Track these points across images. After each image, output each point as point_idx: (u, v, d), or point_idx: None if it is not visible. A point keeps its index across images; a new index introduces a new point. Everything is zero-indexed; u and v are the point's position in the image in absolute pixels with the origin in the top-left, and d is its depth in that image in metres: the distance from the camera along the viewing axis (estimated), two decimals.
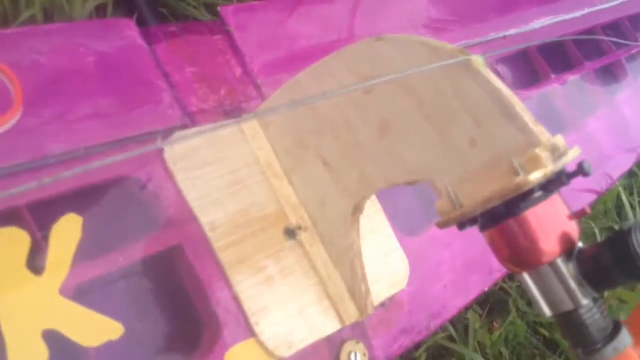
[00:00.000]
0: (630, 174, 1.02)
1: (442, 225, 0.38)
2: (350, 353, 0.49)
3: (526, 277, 0.36)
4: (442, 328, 0.62)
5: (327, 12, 0.65)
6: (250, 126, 0.51)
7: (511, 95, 0.35)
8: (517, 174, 0.34)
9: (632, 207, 0.89)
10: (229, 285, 0.44)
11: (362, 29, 0.67)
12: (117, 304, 0.40)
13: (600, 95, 0.90)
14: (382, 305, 0.54)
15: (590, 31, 0.98)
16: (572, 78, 0.88)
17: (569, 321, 0.35)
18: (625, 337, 0.34)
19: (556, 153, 0.34)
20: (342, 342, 0.49)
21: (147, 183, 0.44)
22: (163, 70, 0.49)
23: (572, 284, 0.34)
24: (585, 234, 0.83)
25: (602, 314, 0.35)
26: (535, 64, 0.84)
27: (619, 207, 0.91)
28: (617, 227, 0.83)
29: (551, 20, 0.89)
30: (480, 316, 0.67)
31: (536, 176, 0.33)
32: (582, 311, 0.34)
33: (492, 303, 0.72)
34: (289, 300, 0.47)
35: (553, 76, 0.84)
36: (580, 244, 0.36)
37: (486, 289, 0.63)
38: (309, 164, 0.48)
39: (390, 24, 0.70)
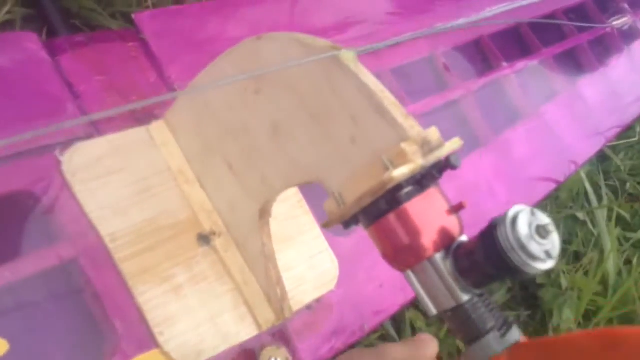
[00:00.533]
0: (605, 158, 1.00)
1: (327, 225, 0.36)
2: (270, 358, 0.48)
3: (410, 274, 0.35)
4: (384, 328, 0.61)
5: (255, 13, 0.64)
6: (160, 132, 0.50)
7: (381, 90, 0.34)
8: (386, 169, 0.32)
9: (598, 193, 0.87)
10: (131, 296, 0.43)
11: (295, 29, 0.66)
12: (2, 320, 0.40)
13: (560, 81, 0.88)
14: (308, 307, 0.52)
15: (551, 16, 0.96)
16: (530, 64, 0.86)
17: (452, 318, 0.33)
18: (515, 332, 0.33)
19: (427, 147, 0.33)
20: (262, 348, 0.48)
21: (42, 197, 0.43)
22: (66, 81, 0.49)
23: (450, 281, 0.33)
24: None
25: (488, 307, 0.33)
26: (487, 52, 0.82)
27: (587, 194, 0.89)
28: (578, 214, 0.81)
29: (505, 7, 0.87)
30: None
31: (402, 171, 0.32)
32: (464, 308, 0.33)
33: None
34: (199, 308, 0.46)
35: (505, 64, 0.82)
36: (463, 238, 0.34)
37: None
38: (217, 168, 0.47)
39: (325, 21, 0.69)
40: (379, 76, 0.72)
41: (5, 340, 0.38)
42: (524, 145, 0.77)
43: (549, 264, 0.30)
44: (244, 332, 0.47)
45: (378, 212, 0.34)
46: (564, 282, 0.71)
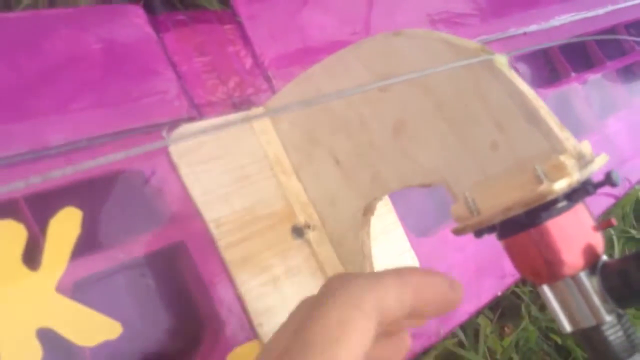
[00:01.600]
0: None
1: (459, 232, 0.36)
2: None
3: (546, 289, 0.34)
4: (453, 333, 0.60)
5: (342, 3, 0.63)
6: (260, 120, 0.49)
7: (536, 98, 0.33)
8: (540, 181, 0.32)
9: None
10: (232, 284, 0.43)
11: (378, 21, 0.65)
12: (115, 302, 0.39)
13: (621, 95, 0.87)
14: None
15: (613, 29, 0.95)
16: (593, 77, 0.85)
17: (591, 338, 0.33)
18: None
19: (582, 161, 0.32)
20: None
21: (150, 177, 0.42)
22: (170, 60, 0.48)
23: (595, 299, 0.32)
24: None
25: (627, 331, 0.33)
26: (555, 62, 0.82)
27: (637, 211, 0.89)
28: (634, 233, 0.81)
29: (572, 17, 0.86)
30: (491, 321, 0.65)
31: (561, 185, 0.31)
32: (604, 327, 0.32)
33: (504, 307, 0.71)
34: (294, 301, 0.45)
35: (573, 74, 0.81)
36: (604, 257, 0.34)
37: (499, 294, 0.61)
38: (320, 161, 0.46)
39: (408, 17, 0.68)
40: None
41: (119, 322, 0.37)
42: None
43: None
44: None
45: (521, 224, 0.33)
46: None
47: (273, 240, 0.46)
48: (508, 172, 0.34)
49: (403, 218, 0.55)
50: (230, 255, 0.43)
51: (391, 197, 0.55)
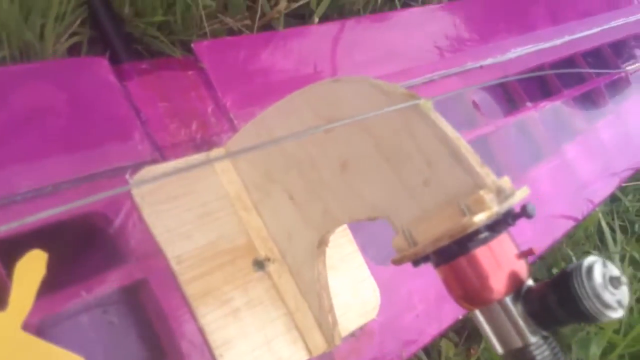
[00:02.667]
0: (614, 198, 1.03)
1: (397, 262, 0.38)
2: None
3: (478, 314, 0.37)
4: (417, 356, 0.63)
5: (303, 46, 0.66)
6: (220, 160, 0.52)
7: (458, 138, 0.36)
8: (463, 214, 0.35)
9: (613, 231, 0.90)
10: (194, 317, 0.45)
11: (340, 61, 0.68)
12: (80, 339, 0.41)
13: (580, 121, 0.91)
14: (352, 334, 0.54)
15: (571, 58, 1.00)
16: (550, 105, 0.89)
17: (519, 358, 0.35)
18: None
19: (502, 195, 0.35)
20: None
21: (114, 218, 0.45)
22: (134, 107, 0.51)
23: (520, 322, 0.35)
24: (565, 261, 0.83)
25: (553, 350, 0.35)
26: (512, 92, 0.86)
27: (601, 232, 0.92)
28: (596, 253, 0.84)
29: (529, 49, 0.91)
30: (457, 344, 0.68)
31: (480, 217, 0.34)
32: (531, 348, 0.35)
33: (470, 329, 0.73)
34: (255, 331, 0.48)
35: (529, 104, 0.85)
36: (530, 282, 0.36)
37: (460, 317, 0.64)
38: (276, 197, 0.49)
39: (369, 55, 0.72)
40: None
41: (83, 358, 0.39)
42: (547, 183, 0.80)
43: (619, 313, 0.32)
44: (295, 356, 0.49)
45: (451, 253, 0.36)
46: None
47: (234, 273, 0.49)
48: (439, 206, 0.37)
49: (363, 247, 0.58)
50: (191, 290, 0.46)
51: (352, 226, 0.58)
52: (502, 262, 0.36)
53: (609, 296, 0.32)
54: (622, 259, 0.85)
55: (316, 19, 0.68)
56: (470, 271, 0.36)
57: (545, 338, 0.35)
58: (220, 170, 0.52)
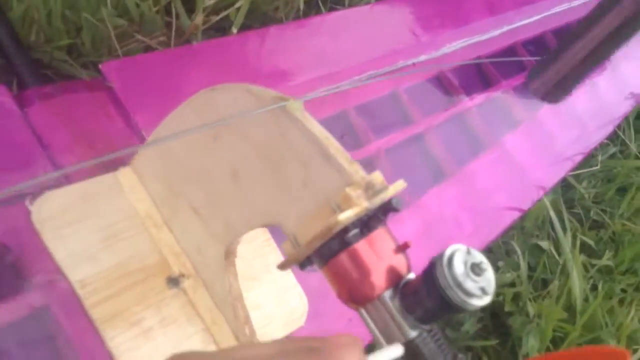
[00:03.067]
0: (569, 186, 1.03)
1: (282, 267, 0.38)
2: None
3: (363, 312, 0.36)
4: None
5: (219, 57, 0.66)
6: (128, 178, 0.52)
7: (326, 137, 0.36)
8: (334, 213, 0.34)
9: (562, 221, 0.90)
10: (102, 341, 0.45)
11: (260, 70, 0.68)
12: None
13: (522, 111, 0.91)
14: None
15: (511, 48, 1.00)
16: (490, 96, 0.89)
17: (404, 354, 0.35)
18: None
19: (371, 190, 0.35)
20: None
21: (13, 246, 0.44)
22: (35, 132, 0.50)
23: (398, 317, 0.35)
24: (509, 255, 0.83)
25: (437, 342, 0.35)
26: (448, 86, 0.86)
27: (552, 222, 0.91)
28: (542, 243, 0.83)
29: (465, 43, 0.91)
30: None
31: (347, 215, 0.34)
32: (415, 343, 0.34)
33: None
34: (171, 349, 0.47)
35: (466, 98, 0.85)
36: (410, 276, 0.36)
37: None
38: (183, 212, 0.49)
39: (294, 62, 0.72)
40: (344, 114, 0.74)
41: None
42: (488, 176, 0.80)
43: (485, 300, 0.32)
44: None
45: (328, 253, 0.36)
46: (530, 310, 0.73)
47: (146, 292, 0.48)
48: (318, 207, 0.37)
49: None
50: (97, 313, 0.45)
51: (275, 235, 0.57)
52: (378, 257, 0.35)
53: (470, 284, 0.31)
54: (573, 246, 0.85)
55: (234, 30, 0.68)
56: (347, 269, 0.35)
57: (429, 332, 0.35)
58: (129, 188, 0.51)
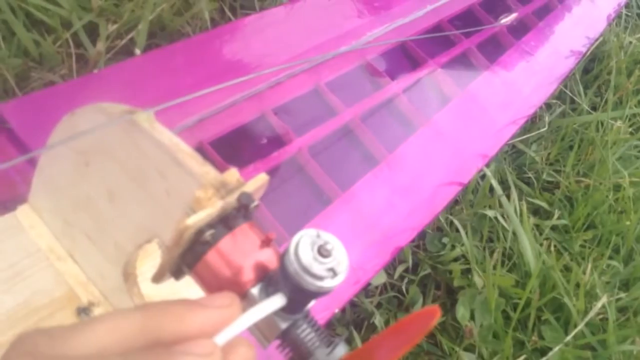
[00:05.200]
0: (518, 153, 1.03)
1: (155, 278, 0.38)
2: None
3: None
4: None
5: (123, 81, 0.66)
6: (27, 215, 0.51)
7: (175, 144, 0.36)
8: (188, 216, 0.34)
9: (512, 187, 0.89)
10: None
11: (168, 87, 0.68)
12: None
13: (452, 86, 0.91)
14: None
15: (437, 27, 1.00)
16: (418, 77, 0.89)
17: (282, 346, 0.35)
18: (341, 348, 0.34)
19: (223, 190, 0.34)
20: None
21: None
22: None
23: None
24: (465, 228, 0.82)
25: (313, 328, 0.34)
26: (373, 74, 0.85)
27: (506, 189, 0.91)
28: (488, 212, 0.83)
29: (387, 28, 0.91)
30: None
31: (196, 218, 0.33)
32: (289, 333, 0.34)
33: None
34: None
35: (392, 82, 0.85)
36: None
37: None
38: (80, 241, 0.48)
39: (205, 74, 0.71)
40: (262, 117, 0.74)
41: None
42: (421, 156, 0.79)
43: (338, 279, 0.31)
44: None
45: (193, 258, 0.35)
46: (479, 281, 0.72)
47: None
48: (184, 214, 0.36)
49: None
50: None
51: None
52: (243, 254, 0.35)
53: (317, 267, 0.31)
54: (523, 212, 0.85)
55: (138, 52, 0.68)
56: (213, 270, 0.35)
57: (305, 317, 0.34)
58: (29, 226, 0.51)
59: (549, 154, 1.03)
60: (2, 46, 0.60)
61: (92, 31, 0.70)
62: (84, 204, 0.45)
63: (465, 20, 1.04)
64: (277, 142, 0.71)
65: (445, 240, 0.77)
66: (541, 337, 0.74)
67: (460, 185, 0.81)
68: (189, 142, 0.66)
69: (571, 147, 1.06)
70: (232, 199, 0.34)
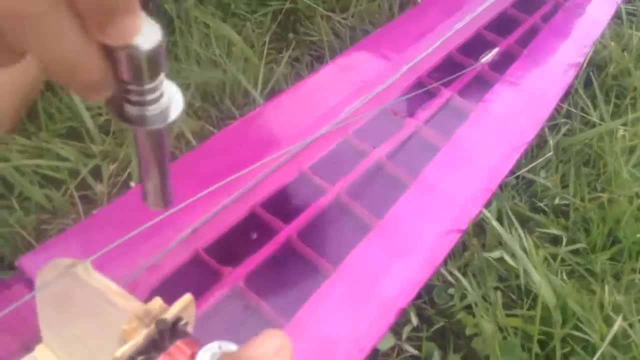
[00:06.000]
0: (529, 183, 1.02)
1: None
2: None
3: None
4: None
5: (125, 217, 0.75)
6: (44, 355, 0.60)
7: (106, 285, 0.43)
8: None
9: (508, 224, 0.90)
10: None
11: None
12: None
13: (438, 138, 0.94)
14: None
15: (417, 83, 1.04)
16: (401, 138, 0.93)
17: None
18: None
19: (147, 318, 0.41)
20: None
21: None
22: None
23: None
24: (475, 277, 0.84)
25: None
26: (356, 145, 0.90)
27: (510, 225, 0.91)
28: (493, 254, 0.84)
29: (363, 101, 0.96)
30: None
31: (123, 349, 0.39)
32: None
33: None
34: None
35: (374, 149, 0.89)
36: None
37: None
38: None
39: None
40: (252, 213, 0.79)
41: None
42: (412, 214, 0.82)
43: None
44: None
45: None
46: (488, 327, 0.73)
47: None
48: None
49: None
50: None
51: None
52: None
53: None
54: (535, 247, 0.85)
55: (132, 184, 0.78)
56: None
57: None
58: None
59: (561, 176, 1.02)
60: (17, 208, 0.71)
61: (95, 175, 0.80)
62: (75, 339, 0.53)
63: (445, 68, 1.08)
64: (268, 233, 0.77)
65: (451, 291, 0.79)
66: None
67: (458, 232, 0.83)
68: (185, 253, 0.74)
69: (585, 164, 1.04)
70: (156, 324, 0.40)
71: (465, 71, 1.05)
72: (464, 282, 0.77)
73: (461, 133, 0.95)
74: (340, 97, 0.96)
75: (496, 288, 0.83)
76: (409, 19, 1.16)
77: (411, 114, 0.97)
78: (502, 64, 1.11)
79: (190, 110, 0.94)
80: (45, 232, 0.74)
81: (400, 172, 0.88)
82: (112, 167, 0.80)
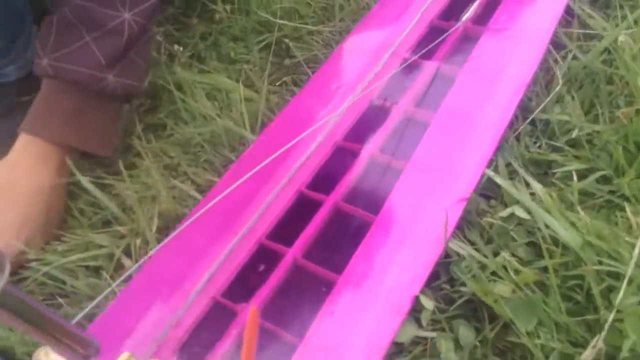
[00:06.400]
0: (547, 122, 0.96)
1: None
2: None
3: None
4: None
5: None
6: None
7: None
8: None
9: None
10: None
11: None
12: None
13: (425, 114, 0.93)
14: None
15: (403, 61, 1.03)
16: (391, 125, 0.93)
17: None
18: None
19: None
20: None
21: None
22: None
23: None
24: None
25: None
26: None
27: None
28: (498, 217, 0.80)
29: (349, 101, 0.98)
30: None
31: None
32: None
33: None
34: None
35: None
36: None
37: None
38: None
39: None
40: (259, 247, 0.82)
41: None
42: (410, 199, 0.82)
43: None
44: None
45: None
46: (504, 289, 0.70)
47: None
48: None
49: None
50: None
51: None
52: None
53: None
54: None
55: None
56: None
57: None
58: None
59: (581, 104, 0.95)
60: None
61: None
62: None
63: (430, 40, 1.05)
64: (274, 261, 0.81)
65: (466, 262, 0.77)
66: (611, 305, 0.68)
67: (462, 201, 0.81)
68: (204, 301, 0.79)
69: (601, 83, 0.96)
70: None
71: (447, 34, 1.02)
72: (471, 250, 0.75)
73: (449, 101, 0.93)
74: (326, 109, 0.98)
75: (523, 245, 0.79)
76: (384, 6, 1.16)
77: (397, 100, 0.97)
78: (485, 15, 1.06)
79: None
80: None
81: (394, 162, 0.88)
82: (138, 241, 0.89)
